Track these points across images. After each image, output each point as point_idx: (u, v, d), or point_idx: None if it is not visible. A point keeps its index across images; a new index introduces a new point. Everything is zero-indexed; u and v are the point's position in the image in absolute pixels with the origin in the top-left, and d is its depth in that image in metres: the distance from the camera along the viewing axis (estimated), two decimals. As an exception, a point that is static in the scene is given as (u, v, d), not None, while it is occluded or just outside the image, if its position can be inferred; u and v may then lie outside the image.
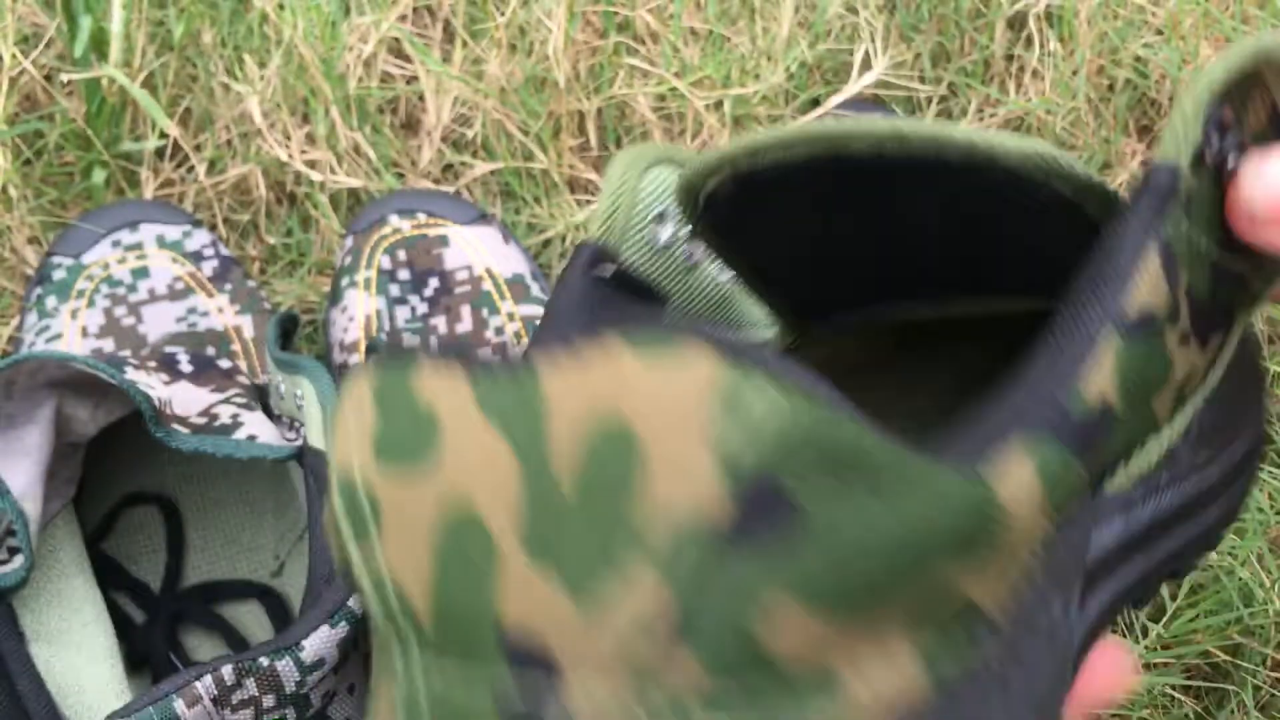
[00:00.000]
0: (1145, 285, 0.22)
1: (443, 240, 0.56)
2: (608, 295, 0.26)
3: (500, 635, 0.19)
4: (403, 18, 0.63)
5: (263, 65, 0.61)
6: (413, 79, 0.63)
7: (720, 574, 0.18)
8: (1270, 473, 0.56)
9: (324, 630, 0.41)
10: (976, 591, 0.20)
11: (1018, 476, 0.20)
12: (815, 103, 0.64)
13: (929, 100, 0.65)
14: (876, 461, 0.18)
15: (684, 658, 0.18)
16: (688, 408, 0.18)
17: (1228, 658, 0.54)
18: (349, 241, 0.57)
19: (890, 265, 0.30)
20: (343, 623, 0.42)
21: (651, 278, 0.31)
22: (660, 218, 0.30)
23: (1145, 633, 0.54)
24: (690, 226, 0.30)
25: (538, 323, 0.53)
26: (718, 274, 0.32)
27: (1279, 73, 0.25)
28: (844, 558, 0.18)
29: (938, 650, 0.20)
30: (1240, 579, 0.54)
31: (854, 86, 0.62)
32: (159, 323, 0.54)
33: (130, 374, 0.47)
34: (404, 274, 0.55)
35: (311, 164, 0.61)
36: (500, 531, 0.19)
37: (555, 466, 0.18)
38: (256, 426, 0.47)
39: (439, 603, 0.20)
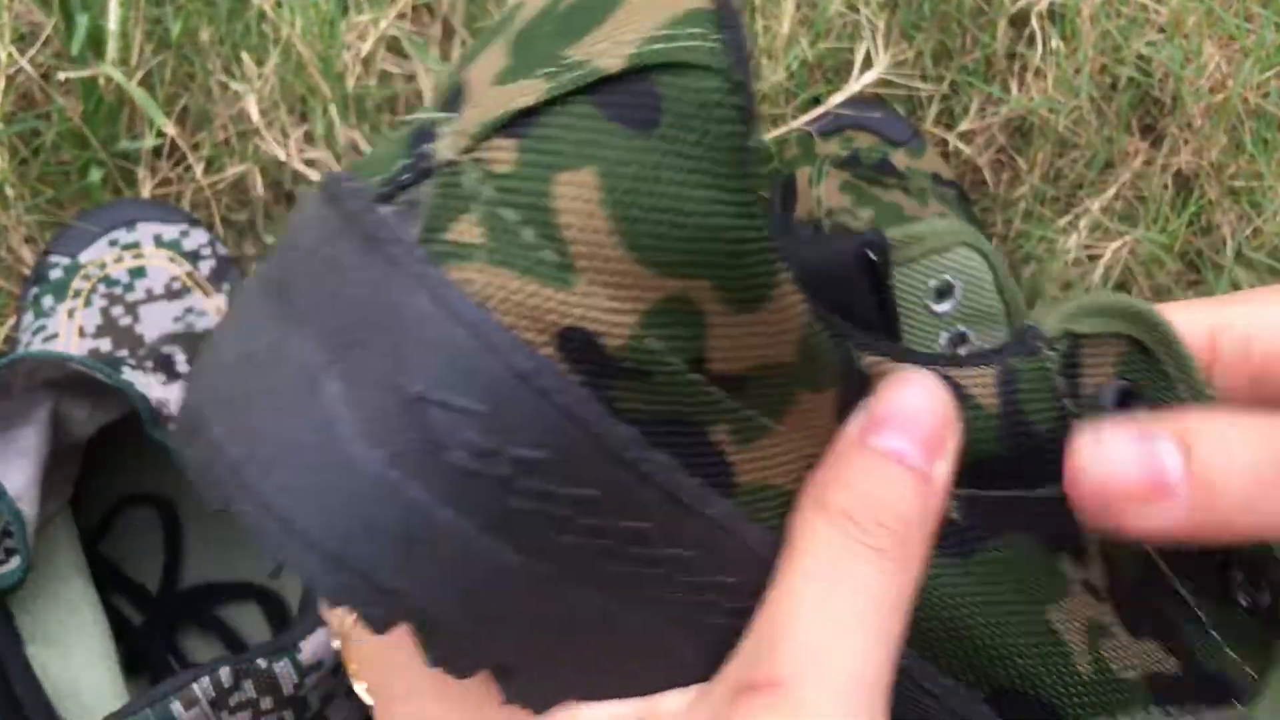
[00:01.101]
0: (974, 380, 0.26)
1: (442, 239, 0.56)
2: (854, 270, 0.28)
3: (453, 84, 0.22)
4: (401, 16, 0.63)
5: (260, 64, 0.61)
6: (411, 77, 0.63)
7: (575, 119, 0.20)
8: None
9: (322, 632, 0.41)
10: (708, 310, 0.21)
11: (794, 300, 0.22)
12: (816, 101, 0.63)
13: (930, 99, 0.65)
14: (740, 149, 0.20)
15: (509, 148, 0.20)
16: (661, 11, 0.21)
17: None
18: (347, 241, 0.57)
19: None
20: (342, 624, 0.41)
21: (900, 312, 0.33)
22: (945, 290, 0.32)
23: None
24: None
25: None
26: None
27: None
28: (647, 186, 0.20)
29: (660, 330, 0.21)
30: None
31: (855, 85, 0.62)
32: (156, 322, 0.54)
33: (127, 374, 0.47)
34: (403, 273, 0.55)
35: (310, 163, 0.61)
36: (513, 25, 0.23)
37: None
38: (255, 427, 0.46)
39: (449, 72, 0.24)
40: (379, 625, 0.21)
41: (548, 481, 0.21)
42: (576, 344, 0.21)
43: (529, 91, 0.20)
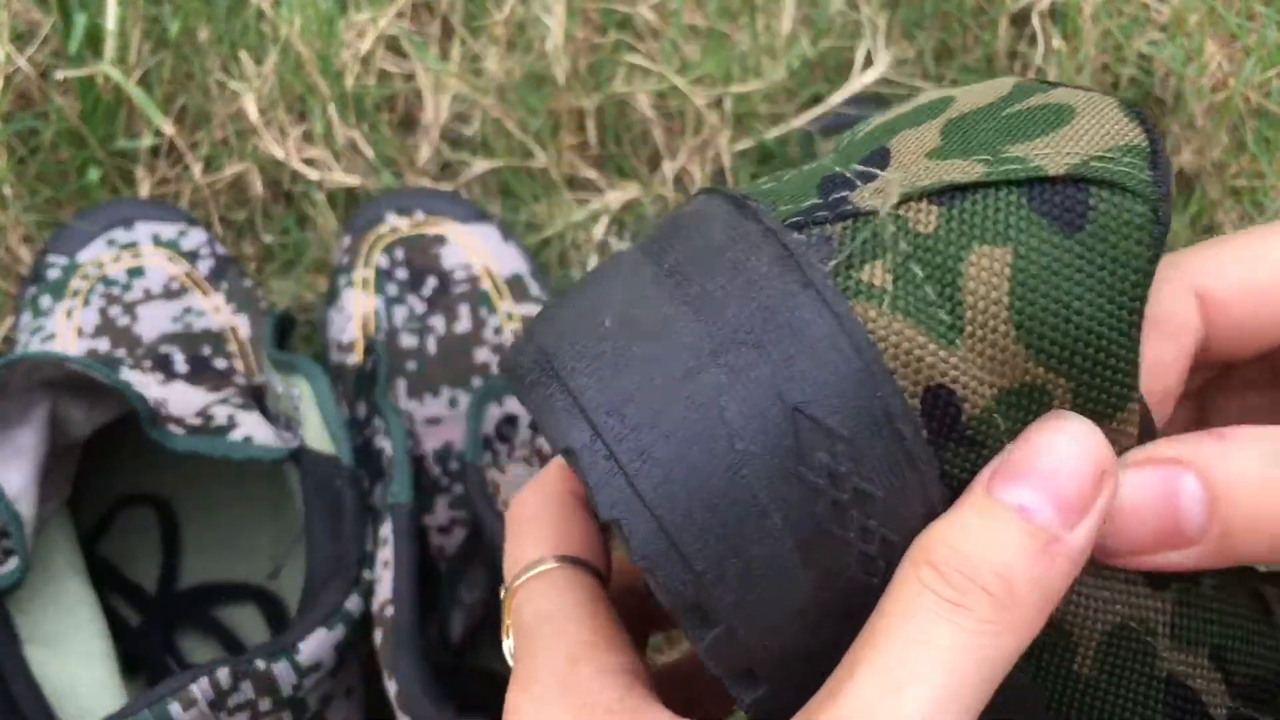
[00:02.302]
0: None
1: (441, 239, 0.56)
2: None
3: (877, 147, 0.25)
4: (400, 14, 0.63)
5: (259, 62, 0.61)
6: (410, 76, 0.63)
7: (1005, 203, 0.23)
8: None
9: (320, 633, 0.40)
10: (1057, 407, 0.23)
11: (1137, 432, 0.24)
12: (817, 100, 0.63)
13: (931, 98, 0.65)
14: (1145, 274, 0.22)
15: (933, 213, 0.23)
16: (1107, 130, 0.23)
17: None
18: (346, 240, 0.57)
19: None
20: (339, 625, 0.41)
21: None
22: None
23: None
24: None
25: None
26: None
27: None
28: (1054, 278, 0.22)
29: (1008, 411, 0.23)
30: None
31: (856, 84, 0.62)
32: (154, 322, 0.54)
33: (125, 374, 0.47)
34: (402, 273, 0.55)
35: (308, 162, 0.61)
36: (945, 113, 0.25)
37: (1011, 105, 0.24)
38: (252, 427, 0.46)
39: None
40: (670, 599, 0.23)
41: (872, 518, 0.23)
42: (938, 402, 0.22)
43: (964, 170, 0.23)
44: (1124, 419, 0.23)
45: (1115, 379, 0.23)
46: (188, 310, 0.54)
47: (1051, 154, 0.23)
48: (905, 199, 0.23)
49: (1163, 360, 0.25)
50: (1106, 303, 0.22)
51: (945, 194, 0.23)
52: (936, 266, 0.22)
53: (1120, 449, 0.23)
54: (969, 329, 0.22)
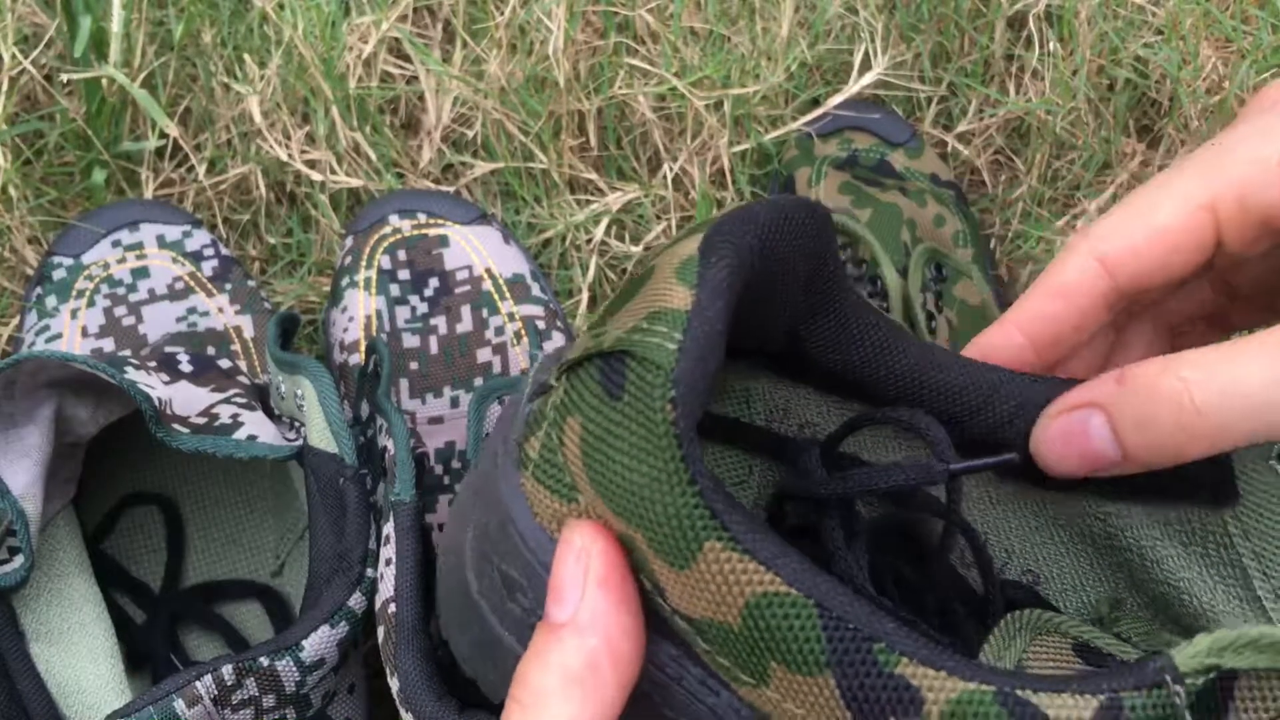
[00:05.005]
0: (1062, 709, 0.25)
1: (443, 240, 0.56)
2: None
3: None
4: (403, 17, 0.63)
5: (263, 65, 0.61)
6: (413, 79, 0.63)
7: (586, 375, 0.26)
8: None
9: (324, 630, 0.41)
10: (647, 554, 0.26)
11: (731, 572, 0.26)
12: (815, 103, 0.64)
13: (929, 100, 0.65)
14: (673, 435, 0.24)
15: (560, 387, 0.27)
16: (656, 291, 0.26)
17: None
18: (349, 241, 0.57)
19: None
20: (343, 623, 0.42)
21: None
22: None
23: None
24: None
25: (540, 324, 0.54)
26: None
27: None
28: (608, 442, 0.25)
29: (629, 554, 0.27)
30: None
31: (854, 86, 0.62)
32: (159, 322, 0.54)
33: (130, 374, 0.47)
34: (404, 274, 0.55)
35: (311, 164, 0.61)
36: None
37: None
38: (257, 426, 0.47)
39: None
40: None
41: (531, 606, 0.29)
42: None
43: (581, 346, 0.26)
44: (708, 566, 0.24)
45: (672, 530, 0.24)
46: (192, 310, 0.55)
47: (615, 325, 0.25)
48: (559, 373, 0.26)
49: (1051, 314, 0.31)
50: (648, 463, 0.24)
51: (565, 370, 0.26)
52: (555, 434, 0.26)
53: (726, 600, 0.25)
54: (577, 489, 0.26)
